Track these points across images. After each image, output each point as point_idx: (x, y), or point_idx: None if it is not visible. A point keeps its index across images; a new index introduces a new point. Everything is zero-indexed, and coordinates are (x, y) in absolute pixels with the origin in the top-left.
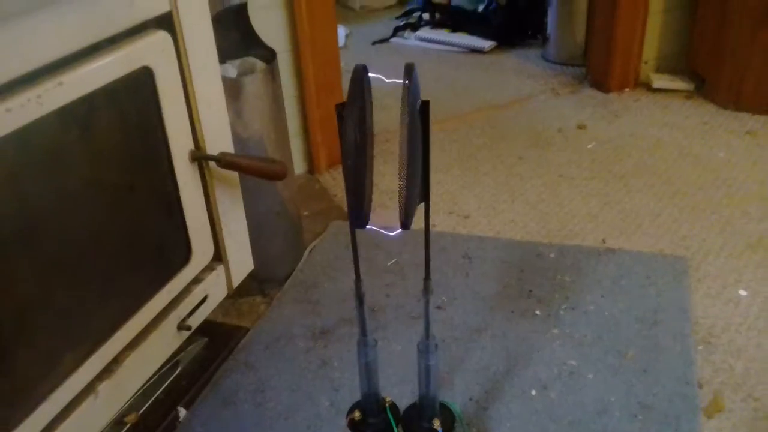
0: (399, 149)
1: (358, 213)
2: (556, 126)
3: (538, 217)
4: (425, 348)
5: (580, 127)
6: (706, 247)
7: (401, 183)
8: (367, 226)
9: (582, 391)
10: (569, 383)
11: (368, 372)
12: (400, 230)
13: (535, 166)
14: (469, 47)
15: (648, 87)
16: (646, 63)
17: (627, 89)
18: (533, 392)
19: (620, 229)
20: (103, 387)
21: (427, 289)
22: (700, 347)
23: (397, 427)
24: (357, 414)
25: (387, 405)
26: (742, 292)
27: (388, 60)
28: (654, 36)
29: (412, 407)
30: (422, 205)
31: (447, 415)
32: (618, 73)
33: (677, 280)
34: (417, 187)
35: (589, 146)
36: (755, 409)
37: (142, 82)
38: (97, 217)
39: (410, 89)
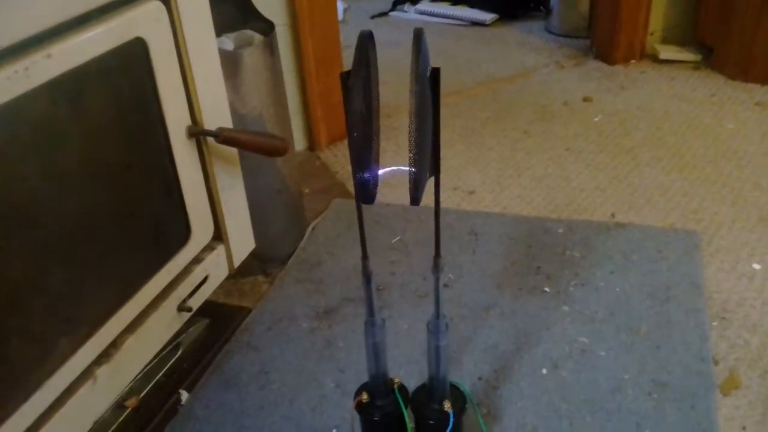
0: (408, 120)
1: (365, 188)
2: (562, 99)
3: (545, 192)
4: (435, 328)
5: (586, 100)
6: (717, 221)
7: (411, 155)
8: (375, 202)
9: (594, 369)
10: (581, 361)
11: (376, 353)
12: (410, 205)
13: (540, 140)
14: (471, 20)
15: (654, 58)
16: (651, 34)
17: (633, 61)
18: (544, 371)
19: (629, 203)
20: (101, 372)
21: (437, 267)
22: (715, 323)
23: (406, 408)
24: (365, 396)
25: (395, 386)
26: (756, 266)
27: (388, 34)
28: (660, 6)
29: (421, 388)
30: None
31: (457, 396)
32: (623, 45)
33: (689, 255)
34: (427, 160)
35: (596, 119)
36: None
37: (135, 54)
38: (92, 197)
39: (420, 55)
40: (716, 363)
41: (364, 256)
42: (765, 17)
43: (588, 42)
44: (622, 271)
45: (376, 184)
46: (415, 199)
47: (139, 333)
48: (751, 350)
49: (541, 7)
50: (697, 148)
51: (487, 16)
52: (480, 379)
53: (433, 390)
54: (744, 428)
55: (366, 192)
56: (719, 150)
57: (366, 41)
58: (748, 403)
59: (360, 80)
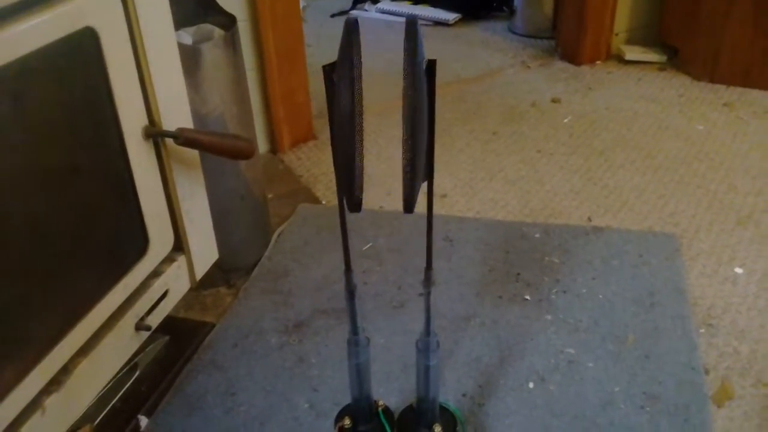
0: (402, 119)
1: (351, 194)
2: (530, 100)
3: (519, 195)
4: (425, 346)
5: (555, 100)
6: (695, 224)
7: (405, 158)
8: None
9: (583, 382)
10: (568, 374)
11: (359, 374)
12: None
13: (510, 141)
14: (433, 20)
15: (620, 59)
16: (617, 35)
17: (598, 62)
18: (531, 385)
19: (605, 206)
20: (50, 401)
21: (428, 281)
22: (702, 330)
23: None
24: (347, 421)
25: (380, 409)
26: (738, 270)
27: None
28: (625, 7)
29: (408, 411)
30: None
31: (447, 418)
32: (589, 46)
33: (670, 259)
34: (422, 162)
35: (565, 120)
36: (767, 395)
37: (85, 46)
38: (37, 205)
39: (415, 46)
40: (707, 372)
41: (348, 269)
42: (730, 19)
43: (552, 42)
44: (604, 276)
45: (361, 191)
46: (410, 206)
47: (93, 356)
48: (741, 358)
49: (504, 8)
50: (669, 149)
51: (450, 16)
52: (464, 395)
53: (422, 413)
54: None
55: (352, 200)
56: (691, 151)
57: (352, 29)
58: (743, 414)
59: (347, 74)
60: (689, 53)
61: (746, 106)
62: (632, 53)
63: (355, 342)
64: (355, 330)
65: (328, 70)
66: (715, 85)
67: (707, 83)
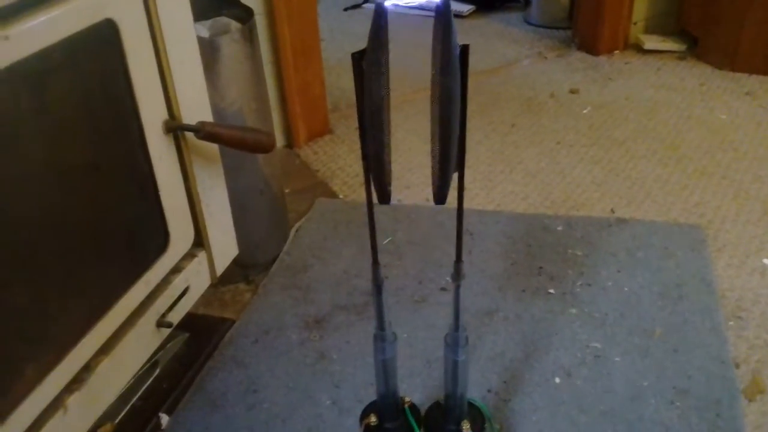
0: (431, 109)
1: (381, 186)
2: (548, 91)
3: (540, 187)
4: (454, 341)
5: (573, 91)
6: (721, 215)
7: (436, 148)
8: (391, 201)
9: (610, 377)
10: (595, 368)
11: (386, 371)
12: (435, 204)
13: (529, 133)
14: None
15: (638, 48)
16: (635, 24)
17: (616, 51)
18: (557, 380)
19: (628, 197)
20: (72, 400)
21: (458, 273)
22: (731, 322)
23: (419, 430)
24: (372, 418)
25: (406, 406)
26: (766, 261)
27: (363, 26)
28: None
29: (435, 407)
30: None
31: (476, 415)
32: (607, 35)
33: (696, 251)
34: (454, 153)
35: (585, 111)
36: None
37: (105, 38)
38: (57, 201)
39: (449, 31)
40: (737, 366)
41: (375, 262)
42: (752, 5)
43: (569, 33)
44: (629, 269)
45: (390, 182)
46: (442, 197)
47: (115, 354)
48: None
49: None
50: (691, 139)
51: (464, 8)
52: (489, 391)
53: (449, 409)
54: None
55: (383, 192)
56: (714, 141)
57: (382, 15)
58: None
59: (377, 61)
60: (709, 41)
61: None
62: (651, 42)
63: (382, 338)
64: (381, 325)
65: (357, 57)
66: (736, 73)
67: (728, 72)
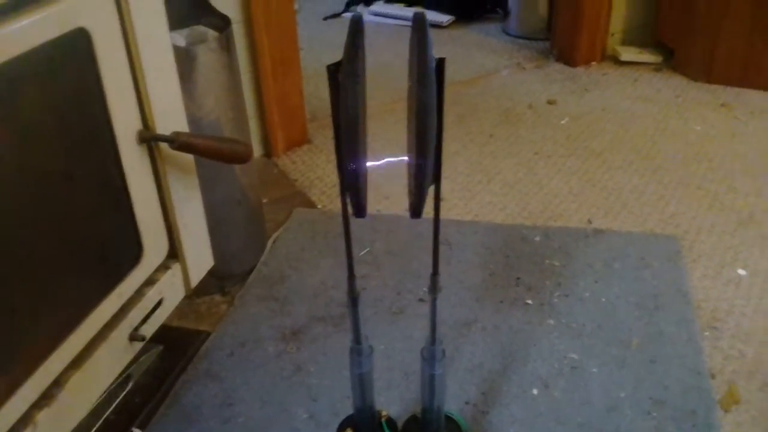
0: (408, 120)
1: (358, 199)
2: (526, 102)
3: (518, 197)
4: (431, 355)
5: (551, 102)
6: (696, 225)
7: (412, 161)
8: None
9: (588, 388)
10: (573, 379)
11: (362, 385)
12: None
13: (507, 144)
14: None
15: (615, 60)
16: (612, 35)
17: (594, 63)
18: (535, 391)
19: (605, 208)
20: (42, 416)
21: (435, 286)
22: (706, 333)
23: None
24: None
25: (383, 420)
26: (741, 272)
27: (342, 36)
28: (620, 8)
29: (411, 421)
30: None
31: (453, 428)
32: (585, 47)
33: (672, 261)
34: (431, 165)
35: (562, 122)
36: None
37: (77, 47)
38: (28, 212)
39: (424, 43)
40: (713, 377)
41: (351, 275)
42: (727, 18)
43: (547, 44)
44: (606, 279)
45: (365, 195)
46: (418, 210)
47: (86, 368)
48: (746, 362)
49: (498, 9)
50: (667, 150)
51: (444, 18)
52: (467, 403)
53: (426, 423)
54: None
55: (360, 204)
56: (690, 152)
57: (357, 27)
58: (751, 419)
59: (353, 73)
60: (685, 54)
61: (743, 106)
62: (628, 54)
63: (358, 351)
64: (357, 339)
65: (333, 69)
66: (711, 85)
67: (704, 83)
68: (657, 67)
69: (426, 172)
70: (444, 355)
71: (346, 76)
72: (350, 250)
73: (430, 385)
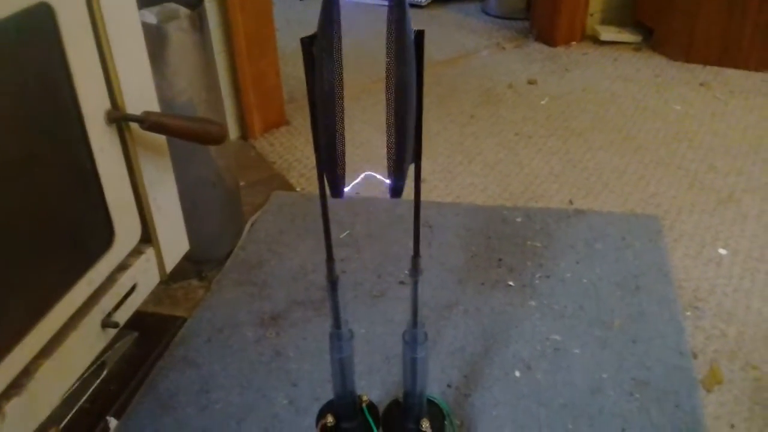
0: (386, 95)
1: (335, 178)
2: (506, 82)
3: (499, 178)
4: (412, 338)
5: (531, 82)
6: (677, 205)
7: (392, 139)
8: (344, 195)
9: (570, 369)
10: (555, 361)
11: (343, 370)
12: (391, 198)
13: (488, 124)
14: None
15: (595, 40)
16: (591, 15)
17: (573, 42)
18: (517, 373)
19: (586, 188)
20: (11, 406)
21: (416, 269)
22: (688, 313)
23: (377, 430)
24: (329, 418)
25: (364, 405)
26: (722, 251)
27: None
28: None
29: (393, 406)
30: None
31: (435, 412)
32: (564, 27)
33: (653, 241)
34: (411, 143)
35: (543, 102)
36: (756, 378)
37: (40, 23)
38: None
39: (403, 16)
40: (695, 356)
41: (329, 259)
42: None
43: (527, 24)
44: (587, 260)
45: (344, 175)
46: (397, 190)
47: (57, 357)
48: (728, 341)
49: None
50: (647, 130)
51: None
52: (449, 386)
53: (408, 407)
54: (732, 426)
55: (336, 185)
56: (670, 132)
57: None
58: (734, 398)
59: (328, 46)
60: (664, 33)
61: (722, 85)
62: (607, 34)
63: (338, 336)
64: (337, 323)
65: (307, 42)
66: (690, 65)
67: (683, 63)
68: (636, 47)
69: (406, 150)
70: (426, 338)
71: (321, 49)
72: (328, 231)
73: (412, 368)
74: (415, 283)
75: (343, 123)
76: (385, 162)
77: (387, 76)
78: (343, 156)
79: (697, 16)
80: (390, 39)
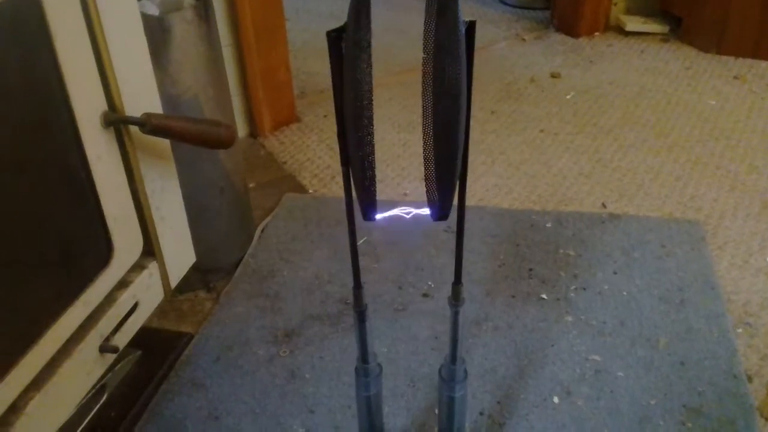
0: (423, 102)
1: (368, 197)
2: (528, 75)
3: (524, 180)
4: (450, 375)
5: (554, 75)
6: (719, 209)
7: (431, 151)
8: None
9: (614, 394)
10: (596, 385)
11: (370, 407)
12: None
13: (510, 121)
14: None
15: (619, 30)
16: (615, 5)
17: (597, 33)
18: (555, 399)
19: (619, 190)
20: None
21: (456, 298)
22: (739, 330)
23: None
24: None
25: None
26: None
27: (329, 6)
28: None
29: None
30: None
31: None
32: (588, 16)
33: (696, 249)
34: (458, 156)
35: (568, 97)
36: None
37: (26, 16)
38: None
39: (453, 7)
40: (750, 380)
41: (357, 286)
42: None
43: (547, 13)
44: (626, 270)
45: (375, 193)
46: (443, 213)
47: (49, 389)
48: None
49: None
50: (681, 126)
51: None
52: (482, 414)
53: None
54: None
55: (369, 204)
56: (705, 128)
57: None
58: None
59: (359, 43)
60: (694, 23)
61: (758, 78)
62: (633, 24)
63: (365, 372)
64: (365, 358)
65: (334, 36)
66: (722, 56)
67: (714, 54)
68: (664, 38)
69: (453, 165)
70: (466, 375)
71: (352, 46)
72: (356, 260)
73: (449, 408)
74: (455, 314)
75: (373, 129)
76: (404, 160)
77: (424, 75)
78: (374, 171)
79: (730, 5)
80: (430, 30)
